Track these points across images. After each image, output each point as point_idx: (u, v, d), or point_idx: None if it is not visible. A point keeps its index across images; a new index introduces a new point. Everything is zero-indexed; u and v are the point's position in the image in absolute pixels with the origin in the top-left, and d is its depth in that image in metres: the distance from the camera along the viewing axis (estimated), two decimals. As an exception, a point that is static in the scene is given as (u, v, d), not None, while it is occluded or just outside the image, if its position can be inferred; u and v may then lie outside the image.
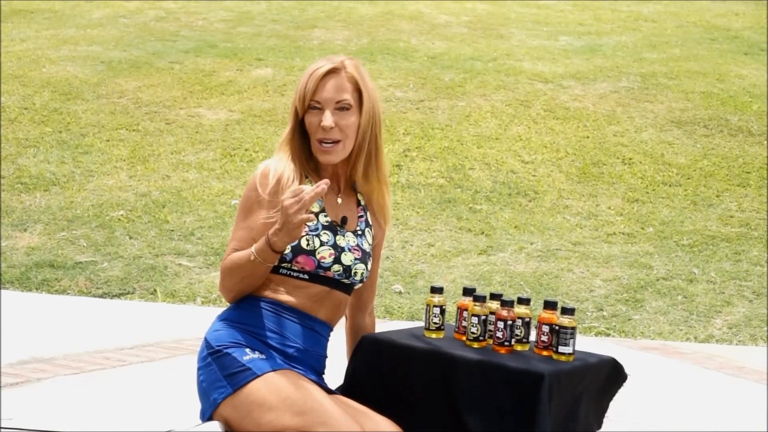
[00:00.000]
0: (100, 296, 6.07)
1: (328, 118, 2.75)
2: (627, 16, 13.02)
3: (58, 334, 5.23)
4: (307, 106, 2.78)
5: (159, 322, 5.59)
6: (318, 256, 2.76)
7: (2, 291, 5.99)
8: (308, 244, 2.75)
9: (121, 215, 7.13)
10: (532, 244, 6.94)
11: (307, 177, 2.81)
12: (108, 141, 8.36)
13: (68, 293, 6.08)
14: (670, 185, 8.00)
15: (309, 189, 2.58)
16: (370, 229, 2.91)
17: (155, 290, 6.13)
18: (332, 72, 2.78)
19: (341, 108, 2.77)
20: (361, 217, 2.90)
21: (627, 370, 2.88)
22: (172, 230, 6.93)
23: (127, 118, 8.79)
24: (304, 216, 2.58)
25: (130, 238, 6.78)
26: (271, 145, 8.18)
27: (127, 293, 6.11)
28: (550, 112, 9.15)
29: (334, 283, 2.80)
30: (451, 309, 3.23)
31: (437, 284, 2.98)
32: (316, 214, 2.79)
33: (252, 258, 2.67)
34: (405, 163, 8.10)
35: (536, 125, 8.87)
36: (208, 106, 9.09)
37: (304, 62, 10.02)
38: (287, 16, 12.28)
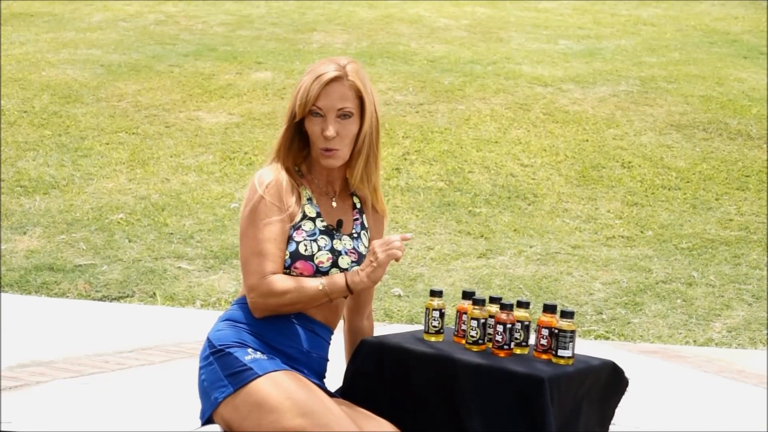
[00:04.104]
0: (100, 299, 6.07)
1: (330, 129, 2.75)
2: (626, 19, 13.03)
3: (57, 338, 5.23)
4: (308, 111, 2.78)
5: (158, 325, 5.59)
6: (316, 261, 2.76)
7: (2, 294, 5.98)
8: (306, 249, 2.76)
9: (121, 218, 7.12)
10: (531, 247, 6.94)
11: (301, 185, 2.82)
12: (107, 144, 8.36)
13: (67, 296, 6.08)
14: (669, 189, 8.00)
15: (397, 240, 2.72)
16: (366, 232, 2.92)
17: (155, 293, 6.13)
18: (336, 79, 2.77)
19: (342, 116, 2.77)
20: (357, 219, 2.91)
21: (627, 373, 2.88)
22: (172, 233, 6.92)
23: (126, 122, 8.79)
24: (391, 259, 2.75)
25: (130, 241, 6.78)
26: (270, 148, 8.18)
27: (127, 296, 6.10)
28: (550, 115, 9.15)
29: (332, 286, 2.81)
30: (450, 312, 3.23)
31: (436, 287, 2.98)
32: (313, 219, 2.80)
33: (321, 288, 2.72)
34: (404, 167, 8.10)
35: (535, 128, 8.87)
36: (207, 110, 9.09)
37: (304, 65, 10.03)
38: (287, 19, 12.29)
